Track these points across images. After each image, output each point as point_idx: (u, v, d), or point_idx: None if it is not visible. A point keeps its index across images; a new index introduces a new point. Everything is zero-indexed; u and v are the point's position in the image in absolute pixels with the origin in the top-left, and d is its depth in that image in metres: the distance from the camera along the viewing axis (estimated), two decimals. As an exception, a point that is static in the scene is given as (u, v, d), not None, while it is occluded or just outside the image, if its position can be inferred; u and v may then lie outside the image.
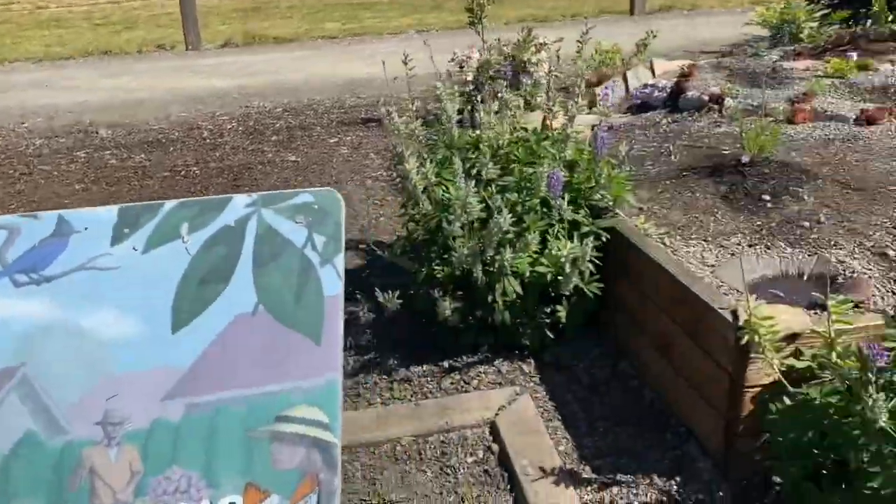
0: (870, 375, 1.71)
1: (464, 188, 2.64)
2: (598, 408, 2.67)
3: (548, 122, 3.52)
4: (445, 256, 2.79)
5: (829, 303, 1.83)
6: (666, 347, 2.62)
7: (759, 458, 2.19)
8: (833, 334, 1.86)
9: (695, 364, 2.42)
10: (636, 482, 2.29)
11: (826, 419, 1.97)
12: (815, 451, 1.99)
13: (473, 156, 3.02)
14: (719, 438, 2.30)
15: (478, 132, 3.09)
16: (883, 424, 1.72)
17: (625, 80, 5.76)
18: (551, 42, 5.54)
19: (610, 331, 3.07)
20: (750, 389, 2.16)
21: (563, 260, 2.64)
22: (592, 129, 4.66)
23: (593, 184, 2.95)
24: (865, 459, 1.80)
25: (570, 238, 2.79)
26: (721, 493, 2.22)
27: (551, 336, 2.90)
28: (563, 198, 2.55)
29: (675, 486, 2.26)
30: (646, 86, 5.19)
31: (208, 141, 6.24)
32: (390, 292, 2.70)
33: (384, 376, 2.89)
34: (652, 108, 4.96)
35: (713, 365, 2.29)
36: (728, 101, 4.30)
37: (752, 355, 2.08)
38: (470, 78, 5.60)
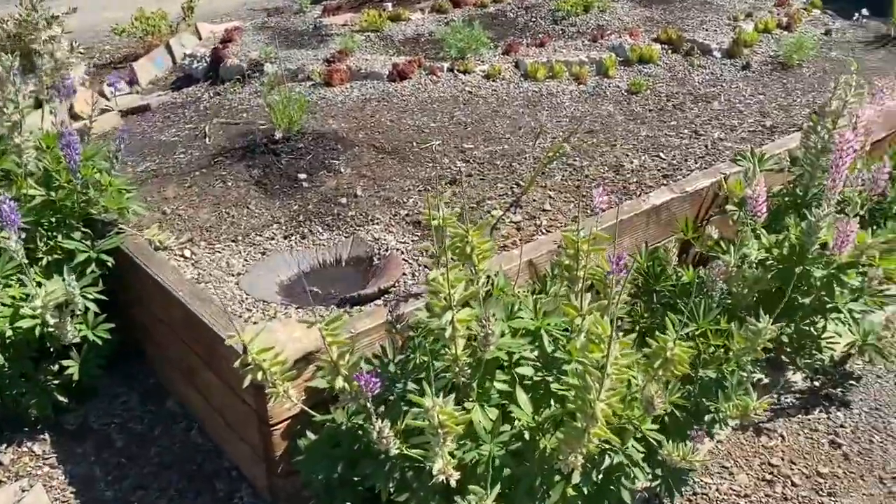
0: (369, 407, 1.46)
1: None
2: (135, 474, 2.15)
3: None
4: None
5: (318, 325, 1.54)
6: (197, 382, 2.19)
7: (308, 495, 1.90)
8: (335, 356, 1.58)
9: (225, 400, 2.03)
10: (174, 570, 1.86)
11: (356, 443, 1.72)
12: (355, 481, 1.74)
13: None
14: (265, 482, 1.96)
15: None
16: (396, 452, 1.50)
17: (169, 49, 5.11)
18: (65, 13, 4.64)
19: (148, 368, 2.55)
20: (278, 425, 1.83)
21: (39, 310, 2.03)
22: (124, 116, 3.99)
23: (84, 198, 2.35)
24: (392, 489, 1.59)
25: (61, 272, 2.18)
26: (275, 548, 1.90)
27: (64, 400, 2.29)
28: (18, 234, 1.92)
29: (220, 560, 1.87)
30: (186, 56, 4.62)
31: None
32: None
33: None
34: (196, 80, 4.41)
35: (239, 401, 1.92)
36: (267, 67, 3.95)
37: (268, 389, 1.74)
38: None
